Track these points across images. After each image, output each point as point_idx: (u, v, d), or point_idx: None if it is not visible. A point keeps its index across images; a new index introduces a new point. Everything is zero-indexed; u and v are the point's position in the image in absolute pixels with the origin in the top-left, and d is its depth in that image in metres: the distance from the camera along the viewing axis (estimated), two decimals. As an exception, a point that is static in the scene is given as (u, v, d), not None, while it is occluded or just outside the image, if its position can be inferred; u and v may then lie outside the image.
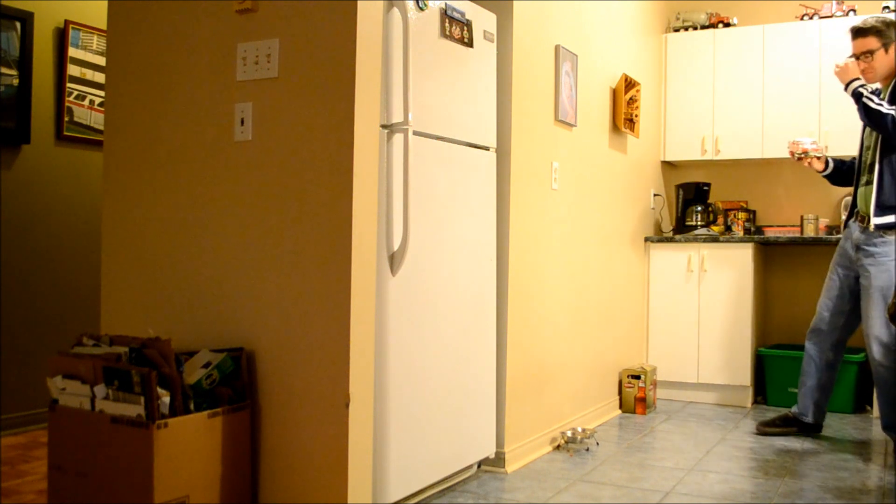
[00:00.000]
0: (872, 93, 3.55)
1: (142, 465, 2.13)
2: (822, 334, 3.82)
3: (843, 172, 3.90)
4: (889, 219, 3.50)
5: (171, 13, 2.69)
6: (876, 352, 3.52)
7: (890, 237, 3.51)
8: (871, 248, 3.55)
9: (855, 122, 3.79)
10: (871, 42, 3.58)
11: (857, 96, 3.54)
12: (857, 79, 3.57)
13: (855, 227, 3.67)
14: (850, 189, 3.86)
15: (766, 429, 3.94)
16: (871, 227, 3.53)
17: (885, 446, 3.73)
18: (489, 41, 3.14)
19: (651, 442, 3.79)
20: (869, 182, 3.58)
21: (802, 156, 3.87)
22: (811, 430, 3.93)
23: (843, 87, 3.63)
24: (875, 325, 3.52)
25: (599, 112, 4.24)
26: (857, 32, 3.63)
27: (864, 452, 3.63)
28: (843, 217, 4.22)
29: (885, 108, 3.46)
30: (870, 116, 3.50)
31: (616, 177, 4.47)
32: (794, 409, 3.94)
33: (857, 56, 3.62)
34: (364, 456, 2.41)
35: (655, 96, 5.13)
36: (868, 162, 3.61)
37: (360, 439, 2.38)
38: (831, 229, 4.89)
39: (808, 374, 3.86)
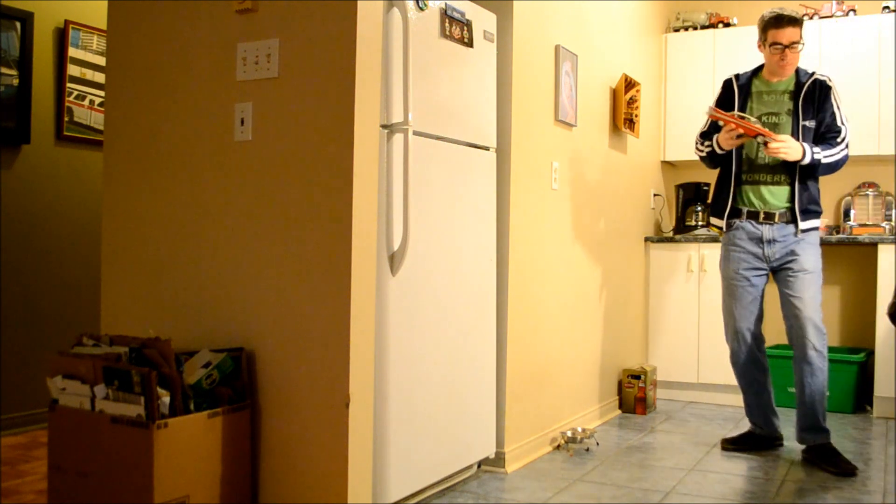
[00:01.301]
0: (739, 85, 3.60)
1: (142, 465, 2.14)
2: (747, 350, 3.58)
3: (724, 158, 3.66)
4: (815, 223, 3.50)
5: (171, 13, 2.69)
6: (811, 334, 3.38)
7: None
8: (798, 236, 3.48)
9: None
10: (800, 32, 3.44)
11: (817, 163, 3.40)
12: (805, 145, 3.39)
13: (756, 225, 3.51)
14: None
15: (731, 446, 3.68)
16: (798, 232, 3.46)
17: (885, 448, 3.72)
18: (489, 41, 3.14)
19: (651, 442, 3.79)
20: (777, 182, 3.50)
21: (742, 134, 3.44)
22: (776, 441, 3.70)
23: (798, 159, 3.35)
24: (809, 306, 3.40)
25: (599, 112, 4.24)
26: (793, 21, 3.42)
27: (863, 452, 3.63)
28: (712, 217, 3.76)
29: (840, 152, 3.42)
30: (833, 168, 3.45)
31: (616, 177, 4.47)
32: (757, 431, 3.69)
33: (785, 45, 3.41)
34: (364, 456, 2.41)
35: (655, 96, 5.13)
36: (779, 162, 3.46)
37: (360, 439, 2.38)
38: (831, 229, 4.88)
39: (759, 393, 3.64)
